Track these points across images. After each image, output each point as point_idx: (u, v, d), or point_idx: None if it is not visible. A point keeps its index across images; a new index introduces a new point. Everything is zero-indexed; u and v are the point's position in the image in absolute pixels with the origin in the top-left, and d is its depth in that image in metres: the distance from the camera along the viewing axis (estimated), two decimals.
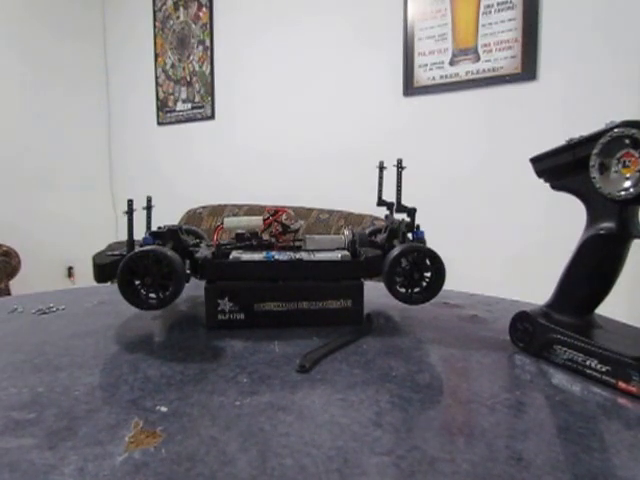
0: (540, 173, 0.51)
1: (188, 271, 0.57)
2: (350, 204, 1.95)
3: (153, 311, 0.57)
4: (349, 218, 1.93)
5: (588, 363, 0.42)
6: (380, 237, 0.65)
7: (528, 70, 1.78)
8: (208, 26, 2.66)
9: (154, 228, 0.60)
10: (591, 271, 0.46)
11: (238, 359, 0.47)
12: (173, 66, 2.84)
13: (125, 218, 0.54)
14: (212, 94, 2.68)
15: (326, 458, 0.30)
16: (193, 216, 2.36)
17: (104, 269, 0.58)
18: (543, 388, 0.41)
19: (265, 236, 0.63)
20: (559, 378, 0.43)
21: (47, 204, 2.75)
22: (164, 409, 0.36)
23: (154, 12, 2.88)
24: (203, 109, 2.73)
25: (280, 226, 0.63)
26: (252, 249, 0.61)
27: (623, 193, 0.41)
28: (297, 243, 0.64)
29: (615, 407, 0.38)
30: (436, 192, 1.94)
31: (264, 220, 0.62)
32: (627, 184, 0.41)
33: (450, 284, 0.60)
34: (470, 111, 1.92)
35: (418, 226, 0.63)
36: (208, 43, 2.67)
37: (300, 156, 2.37)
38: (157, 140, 2.94)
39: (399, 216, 0.65)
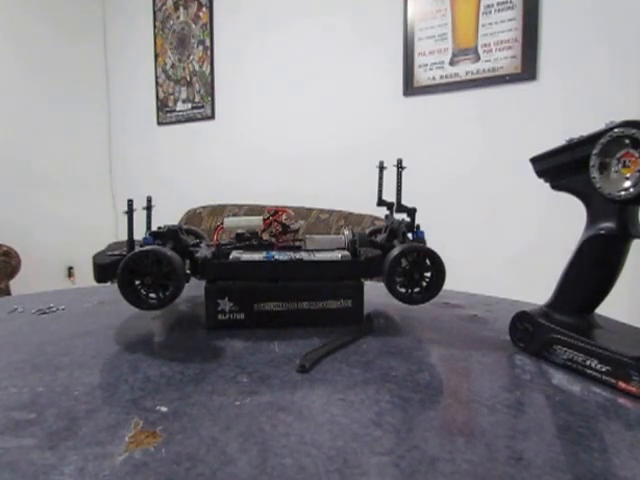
0: (540, 173, 0.51)
1: (188, 271, 0.57)
2: (350, 204, 1.95)
3: (153, 311, 0.57)
4: (349, 218, 1.93)
5: (588, 363, 0.42)
6: (380, 237, 0.65)
7: (528, 70, 1.78)
8: (208, 26, 2.66)
9: (154, 228, 0.60)
10: (591, 271, 0.46)
11: (238, 359, 0.47)
12: (173, 66, 2.83)
13: (125, 218, 0.54)
14: (212, 94, 2.68)
15: (326, 458, 0.30)
16: (193, 216, 2.36)
17: (104, 269, 0.58)
18: (543, 388, 0.41)
19: (265, 236, 0.63)
20: (559, 378, 0.43)
21: (47, 204, 2.75)
22: (164, 409, 0.36)
23: (154, 12, 2.87)
24: (203, 109, 2.73)
25: (280, 226, 0.63)
26: (252, 249, 0.61)
27: (623, 193, 0.41)
28: (297, 243, 0.64)
29: (615, 407, 0.38)
30: (436, 192, 1.93)
31: (264, 220, 0.62)
32: (627, 184, 0.41)
33: (450, 284, 0.60)
34: (470, 111, 1.92)
35: (418, 226, 0.63)
36: (208, 43, 2.67)
37: (300, 156, 2.37)
38: (157, 140, 2.94)
39: (399, 216, 0.65)
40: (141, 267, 0.51)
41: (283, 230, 0.63)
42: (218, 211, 2.30)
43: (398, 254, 0.55)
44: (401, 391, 0.40)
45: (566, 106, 1.71)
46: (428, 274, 0.57)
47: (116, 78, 3.10)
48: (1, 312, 0.64)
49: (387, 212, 0.67)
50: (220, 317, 0.55)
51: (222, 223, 0.62)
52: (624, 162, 0.41)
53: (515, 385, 0.42)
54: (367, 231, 0.68)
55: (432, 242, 0.61)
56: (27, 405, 0.37)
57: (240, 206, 2.28)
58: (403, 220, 0.64)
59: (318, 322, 0.56)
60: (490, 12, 1.84)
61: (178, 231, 0.60)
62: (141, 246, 0.54)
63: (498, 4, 1.82)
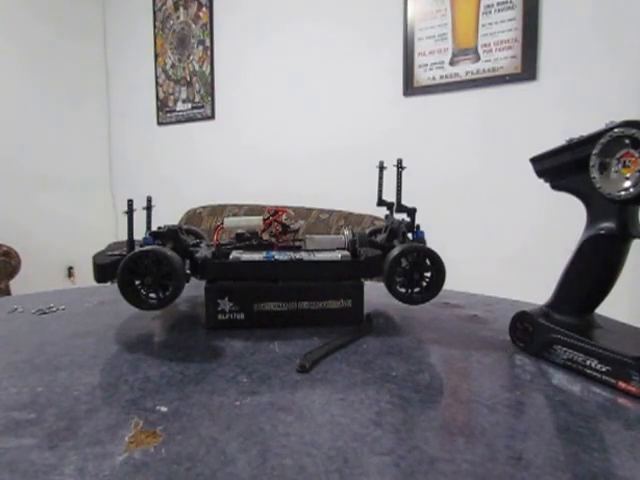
0: (540, 173, 0.51)
1: (188, 271, 0.57)
2: (350, 204, 1.95)
3: (153, 311, 0.57)
4: (349, 218, 1.93)
5: (588, 363, 0.42)
6: (380, 237, 0.65)
7: (528, 70, 1.78)
8: (208, 26, 2.66)
9: (154, 228, 0.60)
10: (591, 271, 0.46)
11: (238, 359, 0.47)
12: (173, 66, 2.83)
13: (125, 218, 0.54)
14: (212, 94, 2.68)
15: (326, 458, 0.30)
16: (193, 216, 2.35)
17: (104, 269, 0.58)
18: (543, 388, 0.41)
19: (265, 236, 0.63)
20: (559, 378, 0.43)
21: (47, 204, 2.75)
22: (164, 409, 0.36)
23: (154, 12, 2.88)
24: (203, 109, 2.73)
25: (280, 226, 0.63)
26: (252, 249, 0.61)
27: (623, 193, 0.41)
28: (297, 243, 0.64)
29: (615, 407, 0.38)
30: (436, 192, 1.94)
31: (264, 220, 0.62)
32: (627, 184, 0.41)
33: (450, 284, 0.60)
34: (470, 111, 1.92)
35: (418, 226, 0.63)
36: (208, 43, 2.67)
37: (300, 156, 2.37)
38: (157, 140, 2.94)
39: (399, 216, 0.65)
40: (141, 267, 0.51)
41: (283, 230, 0.63)
42: (218, 211, 2.30)
43: (398, 254, 0.55)
44: (401, 391, 0.40)
45: (566, 106, 1.71)
46: (428, 274, 0.57)
47: (116, 78, 3.10)
48: (1, 312, 0.64)
49: (387, 212, 0.67)
50: (220, 317, 0.55)
51: (222, 223, 0.62)
52: (624, 162, 0.41)
53: (515, 385, 0.42)
54: (367, 231, 0.68)
55: (432, 242, 0.61)
56: (27, 405, 0.37)
57: (240, 206, 2.28)
58: (403, 220, 0.64)
59: (318, 322, 0.56)
60: (490, 12, 1.84)
61: (178, 231, 0.60)
62: (141, 246, 0.54)
63: (498, 4, 1.82)
